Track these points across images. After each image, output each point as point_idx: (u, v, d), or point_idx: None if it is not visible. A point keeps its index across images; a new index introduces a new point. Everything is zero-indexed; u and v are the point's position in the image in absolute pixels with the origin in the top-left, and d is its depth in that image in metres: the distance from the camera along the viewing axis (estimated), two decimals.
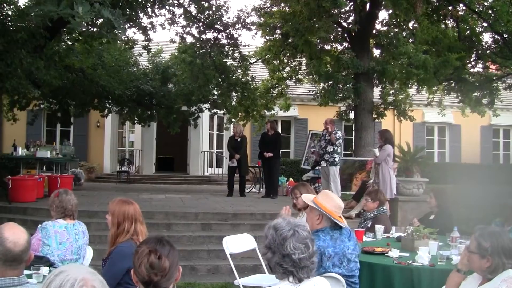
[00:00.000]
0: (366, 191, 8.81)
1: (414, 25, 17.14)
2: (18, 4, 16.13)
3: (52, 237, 5.17)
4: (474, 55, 18.60)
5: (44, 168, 16.86)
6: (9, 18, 14.30)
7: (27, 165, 16.53)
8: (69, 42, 17.34)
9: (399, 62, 15.54)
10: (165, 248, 2.80)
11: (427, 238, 5.66)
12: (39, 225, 5.32)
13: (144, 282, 2.74)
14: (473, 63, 19.44)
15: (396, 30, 16.79)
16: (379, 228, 6.56)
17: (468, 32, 18.10)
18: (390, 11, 16.73)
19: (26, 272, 4.09)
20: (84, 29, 13.65)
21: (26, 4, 14.18)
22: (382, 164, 10.85)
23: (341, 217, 4.69)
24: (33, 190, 12.54)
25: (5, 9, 16.06)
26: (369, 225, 7.01)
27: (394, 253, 5.36)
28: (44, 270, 4.44)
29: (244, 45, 18.35)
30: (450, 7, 16.85)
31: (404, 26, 17.11)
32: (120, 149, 25.51)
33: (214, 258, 9.29)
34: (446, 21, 18.24)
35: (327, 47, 18.62)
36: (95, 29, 13.64)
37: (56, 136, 24.19)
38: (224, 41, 18.25)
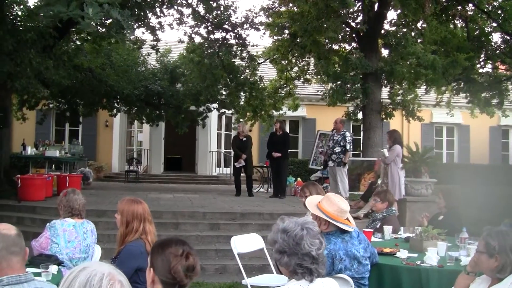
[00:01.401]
0: (374, 191, 8.77)
1: (423, 25, 17.06)
2: (28, 5, 16.21)
3: (60, 236, 5.19)
4: (483, 55, 18.55)
5: (53, 167, 16.93)
6: (18, 18, 14.37)
7: (36, 164, 16.60)
8: (78, 42, 17.42)
9: (408, 62, 15.49)
10: (193, 250, 2.82)
11: (436, 239, 5.63)
12: (48, 224, 5.34)
13: (169, 283, 2.73)
14: (482, 63, 19.37)
15: (404, 30, 16.71)
16: (387, 229, 6.54)
17: (477, 32, 18.05)
18: (399, 11, 16.67)
19: (35, 270, 4.13)
20: (93, 30, 13.70)
21: (36, 4, 14.26)
22: (391, 164, 10.83)
23: (348, 219, 4.67)
24: (42, 189, 12.60)
25: (14, 9, 16.14)
26: (377, 226, 6.99)
27: (403, 253, 5.34)
28: (53, 268, 4.46)
29: (252, 45, 18.35)
30: (459, 7, 16.77)
31: (413, 26, 17.02)
32: (128, 149, 25.56)
33: (222, 257, 9.31)
34: (455, 21, 18.17)
35: (336, 47, 18.58)
36: (104, 30, 13.70)
37: (65, 135, 24.26)
38: (232, 41, 18.26)
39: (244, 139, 14.94)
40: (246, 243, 6.58)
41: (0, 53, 11.49)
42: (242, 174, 15.26)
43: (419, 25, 17.17)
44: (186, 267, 2.72)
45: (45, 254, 5.04)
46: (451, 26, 17.94)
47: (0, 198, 12.11)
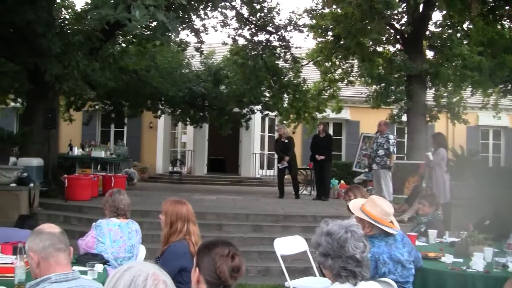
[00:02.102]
0: (419, 195, 8.66)
1: (469, 26, 16.79)
2: (75, 8, 16.53)
3: (106, 235, 5.26)
4: None
5: (99, 167, 17.19)
6: (66, 22, 14.67)
7: (82, 164, 16.89)
8: (124, 45, 17.67)
9: (453, 64, 15.28)
10: (239, 252, 2.84)
11: (482, 244, 5.52)
12: (94, 223, 5.41)
13: (214, 283, 2.74)
14: None
15: (450, 31, 16.49)
16: (432, 233, 6.45)
17: None
18: (444, 12, 16.47)
19: (81, 268, 4.20)
20: (138, 32, 13.87)
21: (83, 8, 14.53)
22: (436, 168, 10.68)
23: (392, 222, 4.62)
24: (88, 189, 12.79)
25: (63, 13, 16.49)
26: (422, 230, 6.89)
27: (448, 258, 5.24)
28: (99, 267, 4.53)
29: (296, 47, 18.34)
30: (507, 7, 16.46)
31: (459, 27, 16.77)
32: (172, 150, 25.78)
33: (265, 259, 9.29)
34: (503, 22, 17.81)
35: (379, 49, 18.43)
36: (149, 32, 13.86)
37: (110, 136, 24.62)
38: (276, 43, 18.28)
39: (286, 140, 14.91)
40: (289, 245, 6.57)
41: (48, 56, 11.73)
42: (286, 177, 15.24)
43: (465, 26, 16.91)
44: (232, 268, 2.74)
45: (91, 253, 5.12)
46: (499, 26, 17.58)
47: (48, 197, 12.33)
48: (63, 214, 11.43)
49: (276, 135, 23.00)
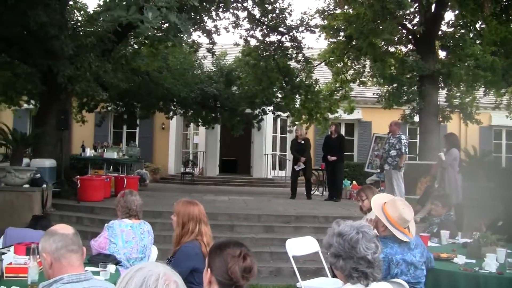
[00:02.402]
0: (432, 195, 8.63)
1: (482, 26, 16.69)
2: (88, 10, 16.61)
3: (118, 236, 5.28)
4: None
5: (111, 168, 17.26)
6: (79, 24, 14.74)
7: (94, 165, 16.97)
8: (136, 46, 17.74)
9: (466, 64, 15.20)
10: (251, 253, 2.84)
11: (495, 245, 5.49)
12: (106, 224, 5.44)
13: (225, 284, 2.75)
14: None
15: (462, 31, 16.40)
16: (445, 234, 6.43)
17: None
18: (457, 11, 16.39)
19: (93, 269, 4.22)
20: (150, 33, 13.92)
21: (96, 9, 14.60)
22: (449, 168, 10.63)
23: (409, 228, 4.54)
24: (100, 190, 12.86)
25: (75, 15, 16.57)
26: (434, 231, 6.87)
27: (460, 259, 5.22)
28: (111, 267, 4.54)
29: (308, 48, 18.32)
30: None
31: (471, 27, 16.68)
32: (184, 151, 25.83)
33: (277, 260, 9.30)
34: None
35: (392, 49, 18.36)
36: (161, 33, 13.91)
37: (123, 137, 24.75)
38: (288, 44, 18.27)
39: (302, 141, 14.92)
40: (301, 246, 6.56)
41: (61, 57, 11.80)
42: (299, 177, 15.24)
43: (477, 25, 16.81)
44: (243, 268, 2.74)
45: (103, 254, 5.14)
46: None
47: (60, 198, 12.40)
48: (75, 215, 11.48)
49: (287, 135, 23.11)
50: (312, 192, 15.67)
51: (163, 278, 1.96)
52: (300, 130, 15.34)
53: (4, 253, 4.60)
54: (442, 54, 17.47)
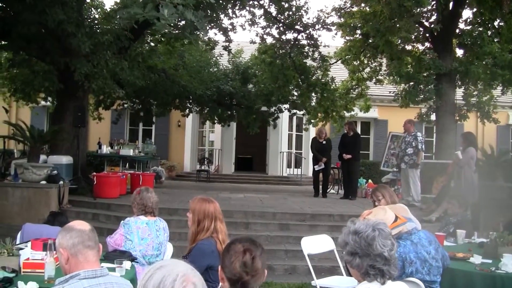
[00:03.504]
0: (448, 194, 8.58)
1: (500, 24, 16.54)
2: (105, 8, 16.69)
3: (134, 233, 5.31)
4: None
5: (127, 165, 17.36)
6: (96, 21, 14.82)
7: (111, 162, 17.09)
8: (152, 44, 17.80)
9: (484, 62, 15.07)
10: (258, 249, 2.81)
11: None
12: (122, 221, 5.47)
13: (232, 280, 2.74)
14: None
15: (480, 29, 16.23)
16: (461, 233, 6.39)
17: None
18: (475, 9, 16.26)
19: (109, 265, 4.24)
20: (167, 31, 13.95)
21: (112, 7, 14.66)
22: (465, 167, 10.56)
23: (398, 217, 4.52)
24: (116, 186, 12.93)
25: (92, 12, 16.66)
26: (451, 230, 6.83)
27: (476, 259, 5.18)
28: (127, 264, 4.56)
29: (324, 46, 18.28)
30: None
31: (489, 25, 16.53)
32: (200, 148, 25.91)
33: (292, 258, 9.30)
34: None
35: (408, 47, 18.24)
36: (177, 31, 13.94)
37: (139, 134, 24.85)
38: (304, 42, 18.25)
39: (324, 142, 14.90)
40: (316, 244, 6.56)
41: (78, 55, 11.88)
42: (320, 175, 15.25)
43: (496, 23, 16.66)
44: (243, 263, 2.72)
45: (119, 250, 5.17)
46: None
47: (77, 194, 12.48)
48: (91, 211, 11.56)
49: (303, 133, 23.07)
50: (327, 191, 15.64)
51: (181, 279, 1.96)
52: (323, 130, 15.29)
53: (21, 249, 4.64)
54: (459, 52, 17.34)
